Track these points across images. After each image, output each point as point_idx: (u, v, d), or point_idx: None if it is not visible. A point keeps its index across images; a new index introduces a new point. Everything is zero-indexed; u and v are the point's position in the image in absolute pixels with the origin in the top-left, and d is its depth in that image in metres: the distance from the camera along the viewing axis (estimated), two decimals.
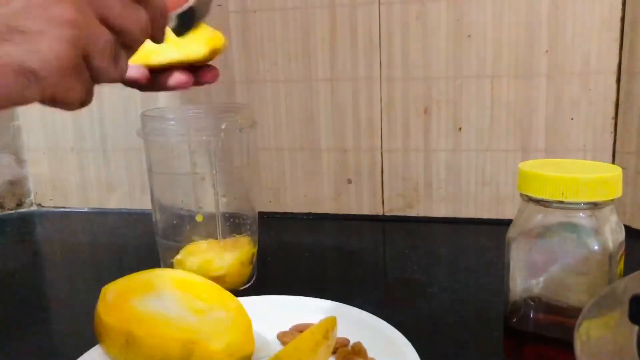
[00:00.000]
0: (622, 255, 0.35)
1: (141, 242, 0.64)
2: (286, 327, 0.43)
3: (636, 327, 0.26)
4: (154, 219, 0.53)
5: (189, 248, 0.52)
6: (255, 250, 0.54)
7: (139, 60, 0.41)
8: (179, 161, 0.53)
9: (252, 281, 0.54)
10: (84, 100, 0.30)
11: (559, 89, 0.65)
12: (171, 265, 0.52)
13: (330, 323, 0.37)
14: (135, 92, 0.74)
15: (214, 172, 0.50)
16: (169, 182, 0.54)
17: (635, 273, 0.32)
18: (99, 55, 0.28)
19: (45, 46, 0.25)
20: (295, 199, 0.76)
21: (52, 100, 0.28)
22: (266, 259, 0.61)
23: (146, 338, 0.36)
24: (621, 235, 0.35)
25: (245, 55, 0.73)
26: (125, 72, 0.32)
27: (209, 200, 0.52)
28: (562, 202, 0.33)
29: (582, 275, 0.34)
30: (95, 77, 0.29)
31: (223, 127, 0.50)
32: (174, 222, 0.53)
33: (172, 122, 0.51)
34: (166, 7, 0.34)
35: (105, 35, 0.28)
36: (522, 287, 0.37)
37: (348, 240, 0.69)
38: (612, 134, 0.64)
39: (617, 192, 0.33)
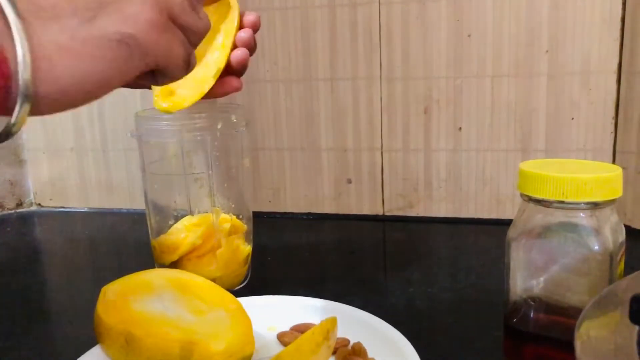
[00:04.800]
0: (622, 255, 0.35)
1: (141, 242, 0.64)
2: (286, 327, 0.43)
3: (636, 327, 0.26)
4: (147, 220, 0.53)
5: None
6: (250, 250, 0.54)
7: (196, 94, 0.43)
8: (173, 162, 0.52)
9: (246, 281, 0.54)
10: (188, 63, 0.31)
11: (559, 88, 0.65)
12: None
13: (331, 323, 0.37)
14: (135, 91, 0.74)
15: (210, 172, 0.50)
16: (163, 182, 0.53)
17: (636, 273, 0.32)
18: (181, 11, 0.30)
19: (134, 11, 0.27)
20: (295, 199, 0.76)
21: (157, 66, 0.29)
22: (266, 259, 0.61)
23: (146, 338, 0.36)
24: (621, 235, 0.35)
25: None
26: (209, 23, 0.33)
27: (203, 201, 0.52)
28: (562, 202, 0.33)
29: (583, 275, 0.34)
30: (188, 34, 0.31)
31: (219, 127, 0.50)
32: (169, 223, 0.53)
33: (166, 123, 0.51)
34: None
35: None
36: (523, 287, 0.37)
37: (348, 240, 0.69)
38: (613, 134, 0.64)
39: (618, 192, 0.33)
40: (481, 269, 0.56)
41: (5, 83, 0.23)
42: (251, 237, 0.54)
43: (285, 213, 0.76)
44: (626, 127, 0.63)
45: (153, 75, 0.31)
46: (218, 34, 0.43)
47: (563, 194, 0.33)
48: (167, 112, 0.43)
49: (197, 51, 0.35)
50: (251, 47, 0.44)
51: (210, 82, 0.42)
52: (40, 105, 0.25)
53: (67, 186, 0.83)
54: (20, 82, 0.23)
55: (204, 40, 0.34)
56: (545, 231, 0.35)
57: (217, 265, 0.50)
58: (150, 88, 0.38)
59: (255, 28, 0.44)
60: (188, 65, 0.32)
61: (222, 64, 0.43)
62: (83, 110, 0.79)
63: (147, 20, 0.27)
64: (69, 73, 0.25)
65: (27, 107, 0.24)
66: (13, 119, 0.24)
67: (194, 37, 0.32)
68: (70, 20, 0.25)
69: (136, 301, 0.39)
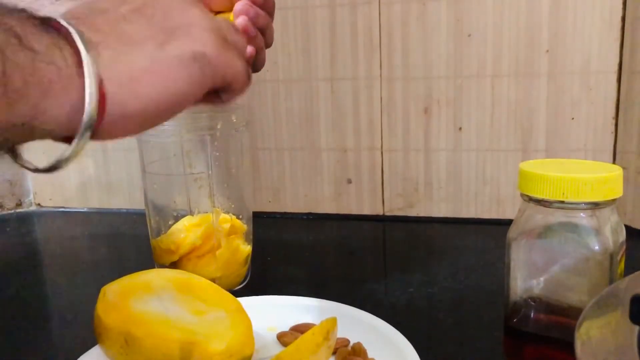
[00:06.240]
0: (622, 255, 0.35)
1: (141, 242, 0.64)
2: (286, 328, 0.43)
3: (636, 327, 0.26)
4: (147, 221, 0.53)
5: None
6: (250, 250, 0.54)
7: None
8: (173, 162, 0.52)
9: (246, 281, 0.54)
10: (249, 75, 0.34)
11: (559, 88, 0.65)
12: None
13: (331, 324, 0.37)
14: None
15: (209, 172, 0.50)
16: (163, 182, 0.53)
17: (636, 273, 0.32)
18: (229, 32, 0.33)
19: (199, 33, 0.30)
20: (295, 199, 0.76)
21: (224, 80, 0.32)
22: (266, 259, 0.61)
23: (145, 339, 0.36)
24: (622, 235, 0.35)
25: None
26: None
27: (203, 201, 0.52)
28: (562, 202, 0.33)
29: (583, 276, 0.34)
30: (241, 51, 0.34)
31: (219, 126, 0.50)
32: (169, 223, 0.53)
33: (166, 123, 0.51)
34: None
35: (223, 21, 0.33)
36: (523, 287, 0.37)
37: (348, 240, 0.69)
38: (613, 134, 0.64)
39: (618, 192, 0.33)
40: (481, 269, 0.56)
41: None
42: (251, 237, 0.54)
43: (285, 213, 0.76)
44: (626, 127, 0.63)
45: (219, 94, 0.33)
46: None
47: (563, 194, 0.33)
48: None
49: None
50: (250, 15, 0.42)
51: None
52: (127, 123, 0.28)
53: (66, 186, 0.83)
54: (85, 112, 0.26)
55: None
56: (546, 231, 0.35)
57: (217, 265, 0.50)
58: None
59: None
60: (249, 78, 0.34)
61: None
62: None
63: (212, 40, 0.30)
64: (155, 91, 0.27)
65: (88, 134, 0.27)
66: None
67: (244, 52, 0.35)
68: (148, 45, 0.28)
69: (136, 301, 0.39)
